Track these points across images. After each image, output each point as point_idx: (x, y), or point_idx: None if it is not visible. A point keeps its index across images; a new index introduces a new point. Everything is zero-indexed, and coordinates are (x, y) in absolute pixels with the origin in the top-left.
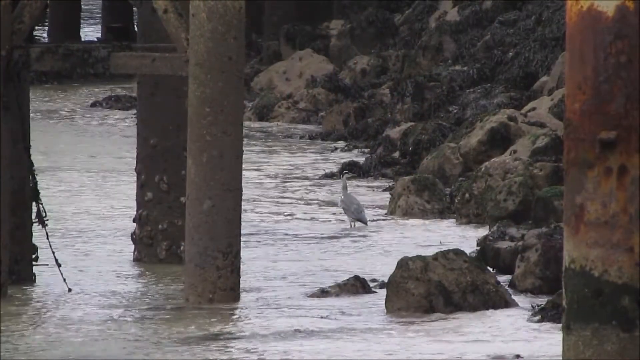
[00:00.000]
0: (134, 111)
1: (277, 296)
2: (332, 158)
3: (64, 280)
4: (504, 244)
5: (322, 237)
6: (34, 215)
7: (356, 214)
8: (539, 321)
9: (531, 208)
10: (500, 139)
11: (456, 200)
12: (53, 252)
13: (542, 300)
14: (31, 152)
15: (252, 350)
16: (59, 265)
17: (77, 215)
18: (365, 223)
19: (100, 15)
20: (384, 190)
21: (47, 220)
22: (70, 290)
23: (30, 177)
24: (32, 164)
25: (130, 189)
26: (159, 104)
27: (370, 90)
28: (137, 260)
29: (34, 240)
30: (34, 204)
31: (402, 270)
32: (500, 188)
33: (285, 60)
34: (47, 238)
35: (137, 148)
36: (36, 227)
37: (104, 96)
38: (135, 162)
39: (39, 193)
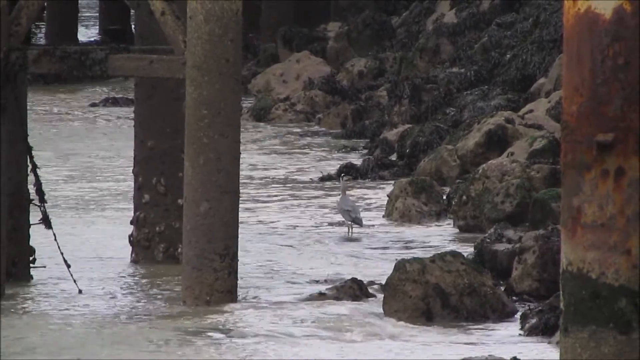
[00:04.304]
0: (132, 113)
1: (275, 298)
2: (330, 159)
3: (74, 281)
4: (501, 246)
5: (319, 239)
6: (38, 217)
7: (351, 215)
8: (536, 324)
9: (528, 210)
10: (497, 141)
11: (453, 203)
12: (62, 254)
13: (539, 303)
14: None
15: (249, 353)
16: (69, 267)
17: (75, 216)
18: (360, 225)
19: (97, 17)
20: (381, 191)
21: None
22: (80, 291)
23: (35, 178)
24: (35, 166)
25: (127, 191)
26: (156, 106)
27: (367, 92)
28: (135, 262)
29: (36, 241)
30: (32, 204)
31: (400, 273)
32: (498, 190)
33: (282, 62)
34: (55, 239)
35: (135, 150)
36: (35, 228)
37: (102, 98)
38: (132, 164)
39: (44, 194)
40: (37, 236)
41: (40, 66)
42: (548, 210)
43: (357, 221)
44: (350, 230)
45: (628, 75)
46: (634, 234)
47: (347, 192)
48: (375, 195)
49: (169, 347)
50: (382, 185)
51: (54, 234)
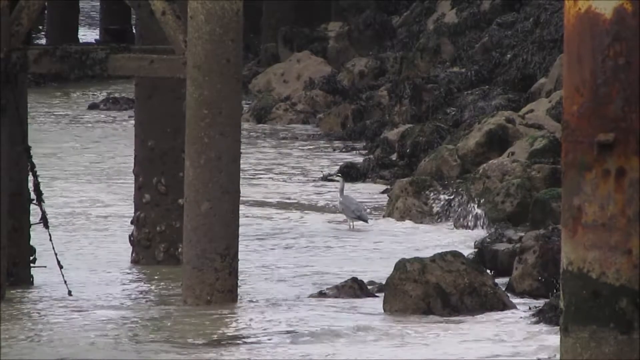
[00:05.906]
0: (132, 113)
1: (275, 298)
2: (331, 159)
3: (65, 282)
4: (502, 246)
5: (320, 239)
6: (36, 217)
7: (356, 213)
8: (536, 323)
9: (529, 210)
10: (498, 141)
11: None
12: (56, 254)
13: (539, 302)
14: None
15: (249, 353)
16: (61, 267)
17: (75, 216)
18: (366, 221)
19: (98, 17)
20: (382, 192)
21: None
22: (70, 293)
23: (33, 178)
24: (33, 165)
25: (128, 191)
26: (156, 106)
27: (368, 92)
28: (135, 262)
29: (35, 242)
30: (33, 204)
31: (400, 272)
32: (498, 190)
33: (283, 62)
34: (50, 240)
35: (135, 150)
36: (37, 229)
37: (102, 98)
38: (133, 164)
39: (41, 194)
40: (41, 237)
41: (41, 66)
42: (548, 210)
43: (363, 217)
44: (352, 227)
45: (629, 75)
46: (635, 234)
47: (345, 192)
48: (376, 195)
49: (170, 348)
50: (382, 185)
51: (50, 234)
